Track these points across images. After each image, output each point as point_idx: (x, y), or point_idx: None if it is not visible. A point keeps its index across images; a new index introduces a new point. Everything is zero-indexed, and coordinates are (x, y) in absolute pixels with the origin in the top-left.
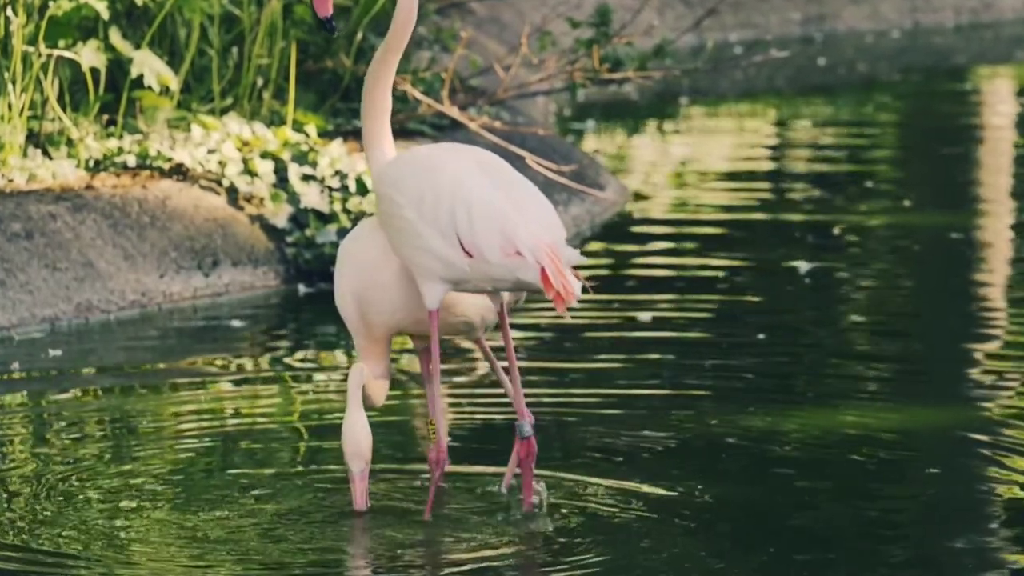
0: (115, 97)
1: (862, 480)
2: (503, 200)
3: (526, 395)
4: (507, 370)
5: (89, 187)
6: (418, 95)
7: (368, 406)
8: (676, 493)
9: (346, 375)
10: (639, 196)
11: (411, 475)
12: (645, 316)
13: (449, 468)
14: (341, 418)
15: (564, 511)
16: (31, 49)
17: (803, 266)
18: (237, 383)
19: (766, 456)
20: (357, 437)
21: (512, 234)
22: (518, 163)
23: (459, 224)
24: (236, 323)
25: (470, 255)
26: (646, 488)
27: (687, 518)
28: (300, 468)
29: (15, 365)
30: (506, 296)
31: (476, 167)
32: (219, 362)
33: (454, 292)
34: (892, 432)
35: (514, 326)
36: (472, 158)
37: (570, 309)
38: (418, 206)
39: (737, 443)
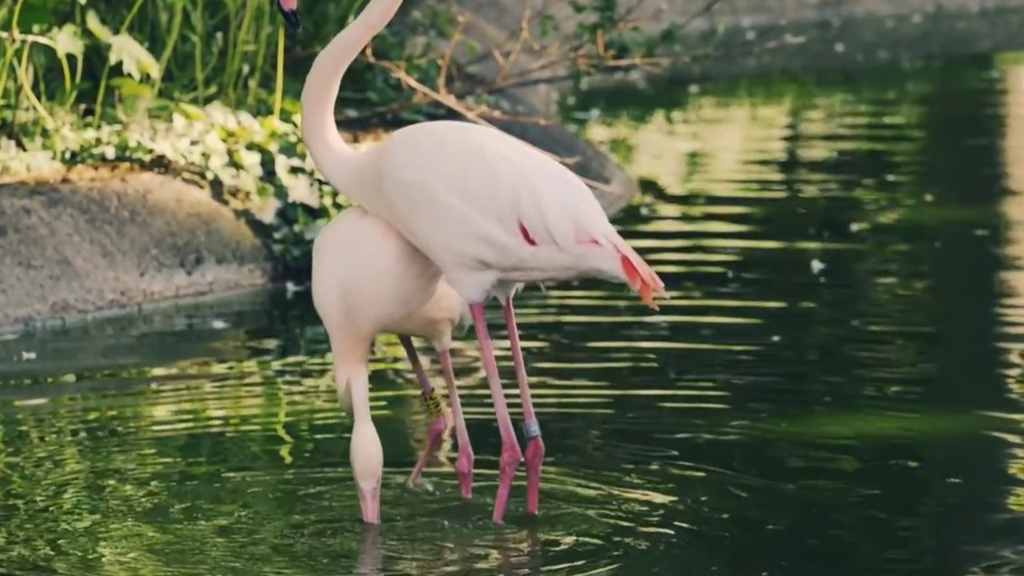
0: (93, 85)
1: (878, 489)
2: (564, 185)
3: (531, 395)
4: (511, 366)
5: (65, 180)
6: (413, 83)
7: (347, 409)
8: (686, 500)
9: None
10: (646, 190)
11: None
12: (653, 316)
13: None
14: (332, 421)
15: (572, 517)
16: (4, 34)
17: (817, 264)
18: (222, 387)
19: (779, 463)
20: (368, 453)
21: (585, 221)
22: None
23: (525, 211)
24: (220, 324)
25: (532, 242)
26: (654, 494)
27: (698, 525)
28: (290, 475)
29: None
30: (456, 307)
31: (511, 149)
32: (203, 365)
33: (442, 284)
34: (911, 439)
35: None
36: (500, 138)
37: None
38: (464, 190)
39: (749, 449)
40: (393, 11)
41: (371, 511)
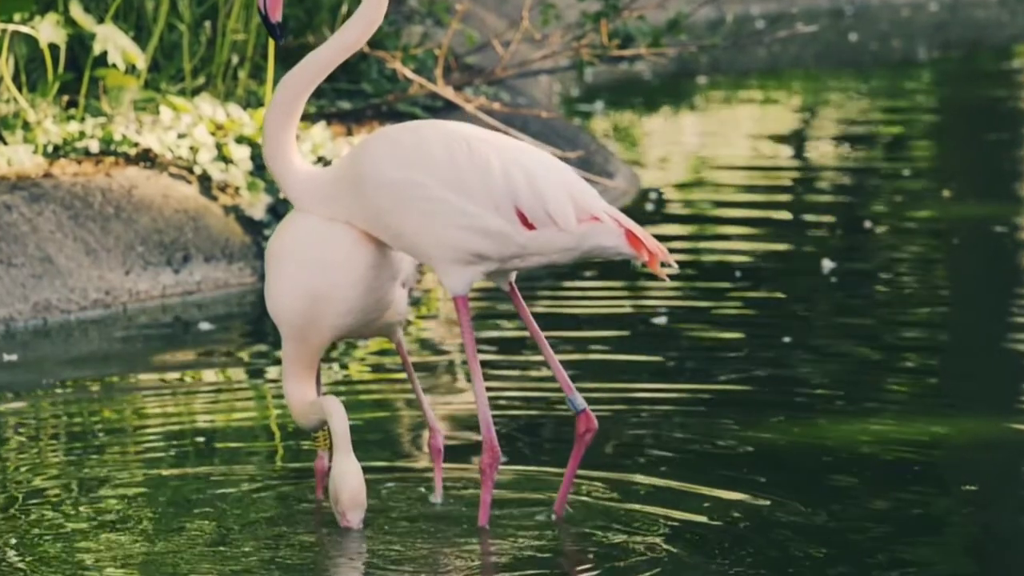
0: (76, 76)
1: (891, 497)
2: (555, 167)
3: (531, 394)
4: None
5: (47, 175)
6: (409, 74)
7: (305, 425)
8: (690, 505)
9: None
10: (651, 185)
11: (402, 480)
12: (659, 316)
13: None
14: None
15: (573, 520)
16: None
17: (828, 263)
18: (210, 390)
19: (789, 469)
20: (355, 488)
21: (582, 199)
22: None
23: (521, 196)
24: (209, 324)
25: (531, 227)
26: (660, 497)
27: (701, 531)
28: (278, 480)
29: None
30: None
31: (496, 138)
32: (190, 367)
33: (395, 289)
34: (927, 445)
35: (517, 319)
36: (480, 129)
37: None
38: (457, 183)
39: (760, 454)
40: (370, 33)
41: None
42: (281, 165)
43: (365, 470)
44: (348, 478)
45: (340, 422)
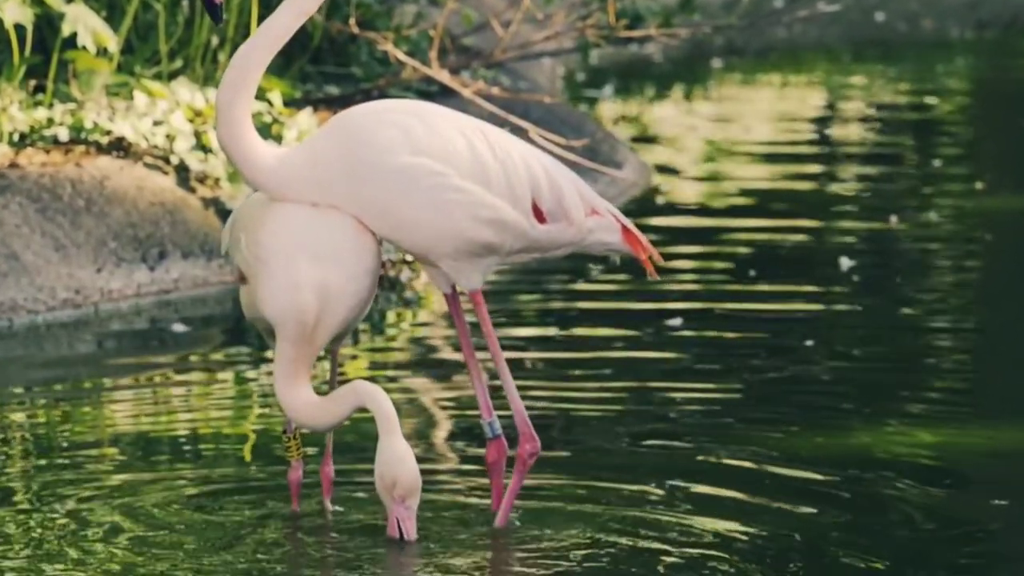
0: (44, 59)
1: (914, 510)
2: (554, 160)
3: (534, 395)
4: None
5: (13, 165)
6: (401, 56)
7: (319, 426)
8: (704, 518)
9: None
10: (662, 175)
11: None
12: (671, 315)
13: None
14: (304, 431)
15: (573, 523)
16: None
17: (847, 261)
18: (187, 396)
19: (810, 480)
20: (412, 469)
21: (587, 193)
22: (520, 136)
23: (541, 189)
24: (186, 325)
25: (543, 221)
26: (667, 504)
27: (708, 538)
28: (255, 492)
29: None
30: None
31: (486, 126)
32: (166, 371)
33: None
34: (954, 455)
35: (521, 321)
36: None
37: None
38: (479, 174)
39: (781, 459)
40: None
41: (412, 527)
42: (241, 148)
43: (339, 473)
44: (404, 460)
45: (384, 403)
